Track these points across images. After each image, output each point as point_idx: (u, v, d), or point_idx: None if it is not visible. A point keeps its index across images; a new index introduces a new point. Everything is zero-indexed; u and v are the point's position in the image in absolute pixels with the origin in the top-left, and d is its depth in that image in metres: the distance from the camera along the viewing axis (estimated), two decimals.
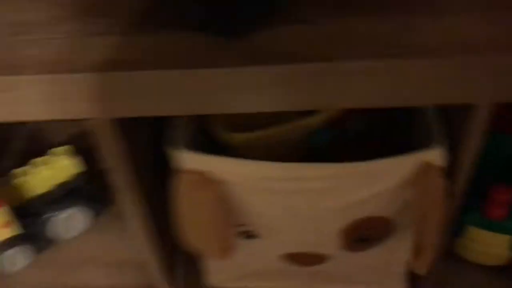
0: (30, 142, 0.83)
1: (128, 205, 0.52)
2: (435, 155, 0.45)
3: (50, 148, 0.70)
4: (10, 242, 0.65)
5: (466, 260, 0.64)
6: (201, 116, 0.50)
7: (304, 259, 0.57)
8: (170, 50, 0.40)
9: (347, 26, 0.40)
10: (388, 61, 0.37)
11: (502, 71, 0.37)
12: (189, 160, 0.47)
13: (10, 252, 0.66)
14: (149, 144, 0.56)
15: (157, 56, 0.39)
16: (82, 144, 0.72)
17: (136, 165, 0.49)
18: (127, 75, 0.38)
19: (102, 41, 0.41)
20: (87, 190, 0.71)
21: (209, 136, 0.53)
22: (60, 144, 0.71)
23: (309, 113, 0.54)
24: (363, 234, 0.54)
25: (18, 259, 0.67)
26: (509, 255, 0.62)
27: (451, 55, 0.37)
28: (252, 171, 0.46)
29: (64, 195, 0.69)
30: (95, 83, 0.38)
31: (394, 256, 0.58)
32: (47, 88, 0.39)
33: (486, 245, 0.61)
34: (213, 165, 0.47)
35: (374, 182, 0.47)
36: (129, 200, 0.51)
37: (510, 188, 0.57)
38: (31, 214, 0.67)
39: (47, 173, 0.68)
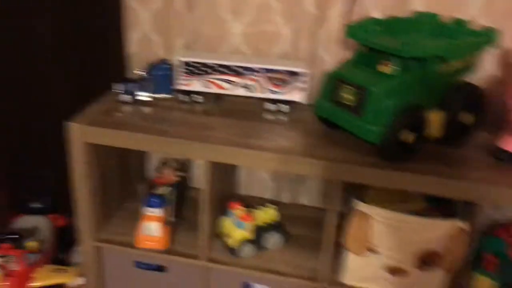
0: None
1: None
2: (460, 224, 1.13)
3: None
4: (245, 241, 1.35)
5: None
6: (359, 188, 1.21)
7: (395, 271, 1.22)
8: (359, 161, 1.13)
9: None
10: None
11: None
12: (360, 207, 1.17)
13: (245, 246, 1.35)
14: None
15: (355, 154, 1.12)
16: None
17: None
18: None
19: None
20: (281, 226, 1.41)
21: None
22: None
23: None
24: (426, 260, 1.19)
25: (248, 250, 1.36)
26: None
27: None
28: (384, 215, 1.16)
29: (271, 226, 1.40)
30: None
31: (438, 276, 1.21)
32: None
33: None
34: (369, 210, 1.16)
35: (432, 230, 1.15)
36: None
37: None
38: (260, 232, 1.37)
39: (264, 215, 1.40)
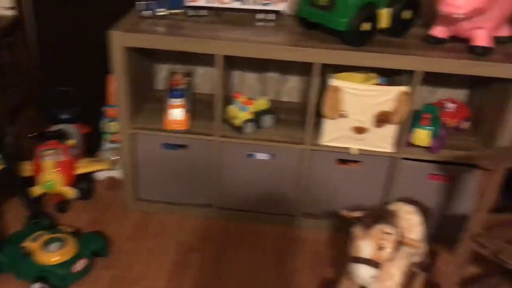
0: None
1: None
2: (405, 88, 1.60)
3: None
4: (247, 120, 1.78)
5: None
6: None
7: (359, 130, 1.69)
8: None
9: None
10: None
11: None
12: (334, 82, 1.61)
13: (248, 124, 1.78)
14: None
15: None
16: None
17: None
18: None
19: None
20: (273, 111, 1.85)
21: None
22: None
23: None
24: (381, 118, 1.66)
25: (250, 127, 1.79)
26: None
27: None
28: (351, 87, 1.61)
29: (265, 111, 1.83)
30: None
31: (390, 130, 1.69)
32: None
33: None
34: (340, 83, 1.61)
35: (385, 95, 1.61)
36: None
37: None
38: (258, 116, 1.80)
39: (259, 103, 1.83)
